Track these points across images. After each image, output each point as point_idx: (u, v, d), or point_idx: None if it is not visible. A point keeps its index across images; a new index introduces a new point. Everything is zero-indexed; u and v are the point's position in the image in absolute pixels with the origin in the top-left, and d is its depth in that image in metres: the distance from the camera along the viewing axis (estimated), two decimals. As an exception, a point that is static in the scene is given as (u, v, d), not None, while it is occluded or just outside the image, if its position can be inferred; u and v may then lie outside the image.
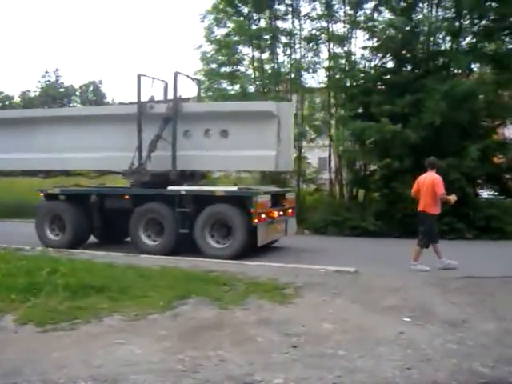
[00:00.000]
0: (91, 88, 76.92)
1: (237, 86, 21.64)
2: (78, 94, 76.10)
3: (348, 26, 20.78)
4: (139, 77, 14.11)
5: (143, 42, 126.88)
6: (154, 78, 14.57)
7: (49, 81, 73.05)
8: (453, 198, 11.29)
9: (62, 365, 5.41)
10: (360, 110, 19.93)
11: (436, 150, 16.94)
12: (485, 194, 20.65)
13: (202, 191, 13.54)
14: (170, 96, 14.53)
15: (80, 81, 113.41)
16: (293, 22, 21.81)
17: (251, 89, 21.63)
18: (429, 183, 10.96)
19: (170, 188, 13.48)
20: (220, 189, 13.66)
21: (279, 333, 6.49)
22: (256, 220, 12.50)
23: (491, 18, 18.92)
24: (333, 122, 21.37)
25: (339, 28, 21.10)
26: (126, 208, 13.97)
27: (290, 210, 14.21)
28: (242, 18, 21.87)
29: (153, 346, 6.02)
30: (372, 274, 10.31)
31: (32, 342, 6.17)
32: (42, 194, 15.19)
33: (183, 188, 13.51)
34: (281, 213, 13.60)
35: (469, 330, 6.71)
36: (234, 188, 13.73)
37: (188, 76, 14.55)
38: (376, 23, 20.12)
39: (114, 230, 15.17)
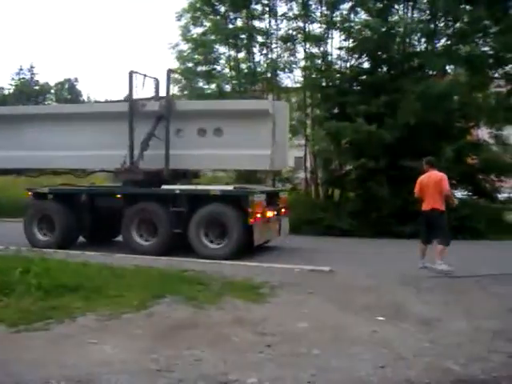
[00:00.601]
0: (66, 86, 76.25)
1: (213, 85, 21.61)
2: (53, 91, 75.35)
3: (324, 26, 20.83)
4: (131, 74, 13.91)
5: (119, 40, 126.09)
6: (145, 76, 14.37)
7: (23, 78, 72.11)
8: (456, 200, 11.41)
9: (35, 365, 5.36)
10: (336, 110, 20.04)
11: (411, 151, 17.16)
12: (458, 194, 20.86)
13: (196, 190, 13.42)
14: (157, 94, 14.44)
15: (55, 78, 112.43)
16: (269, 22, 21.85)
17: (227, 88, 21.62)
18: (436, 180, 10.75)
19: (164, 187, 13.31)
20: (216, 188, 13.50)
21: (254, 332, 6.50)
22: (252, 220, 12.39)
23: (465, 20, 19.12)
24: (308, 121, 21.41)
25: (316, 28, 21.18)
26: (118, 207, 13.81)
27: (283, 210, 14.15)
28: (218, 17, 21.85)
29: (127, 345, 5.98)
30: (347, 273, 10.38)
31: (4, 343, 6.09)
32: (30, 194, 14.89)
33: (178, 187, 13.35)
34: (275, 212, 13.53)
35: (441, 328, 6.79)
36: (230, 187, 13.63)
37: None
38: (352, 24, 20.23)
39: (103, 229, 14.99)
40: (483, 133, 20.75)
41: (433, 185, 10.72)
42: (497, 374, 5.25)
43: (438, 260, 10.55)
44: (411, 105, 16.95)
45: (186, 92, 21.73)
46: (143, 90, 14.39)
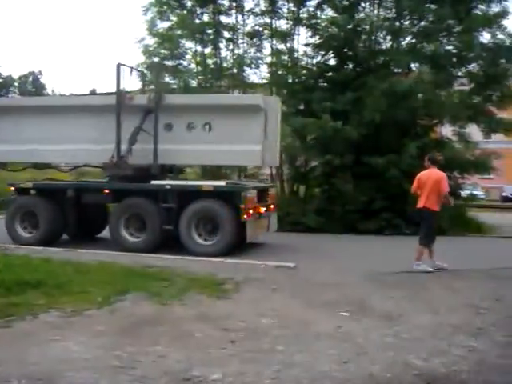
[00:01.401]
0: (30, 79, 75.15)
1: (179, 80, 21.47)
2: (16, 84, 74.19)
3: (291, 22, 20.92)
4: (118, 66, 13.64)
5: (84, 33, 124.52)
6: (132, 68, 14.18)
7: (-15, 71, 70.87)
8: (452, 200, 11.39)
9: (-5, 363, 5.25)
10: (302, 107, 20.09)
11: (376, 147, 17.33)
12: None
13: (188, 186, 13.23)
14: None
15: (19, 71, 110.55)
16: (236, 18, 21.84)
17: (193, 83, 21.51)
18: (435, 179, 10.58)
19: (153, 182, 13.09)
20: (207, 183, 13.29)
21: (218, 328, 6.47)
22: (245, 216, 12.25)
23: (430, 19, 19.37)
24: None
25: (282, 24, 21.27)
26: (106, 203, 13.64)
27: (271, 206, 14.01)
28: (185, 12, 21.71)
29: (90, 342, 5.90)
30: (311, 269, 10.42)
31: (-37, 340, 5.96)
32: (12, 189, 14.38)
33: (168, 182, 13.17)
34: (264, 208, 13.40)
35: (404, 323, 6.85)
36: (223, 183, 13.44)
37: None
38: (319, 21, 20.31)
39: (87, 226, 14.71)
40: (447, 130, 21.05)
41: (431, 183, 10.54)
42: (457, 367, 5.33)
43: (417, 261, 10.61)
44: (376, 102, 17.10)
45: (151, 87, 21.52)
46: (130, 83, 14.14)
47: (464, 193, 21.02)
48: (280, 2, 20.96)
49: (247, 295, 8.18)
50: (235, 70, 21.48)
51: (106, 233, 14.57)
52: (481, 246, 15.79)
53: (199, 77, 21.93)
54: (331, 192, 18.60)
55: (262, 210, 13.14)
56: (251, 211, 12.44)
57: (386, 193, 17.68)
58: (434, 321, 6.96)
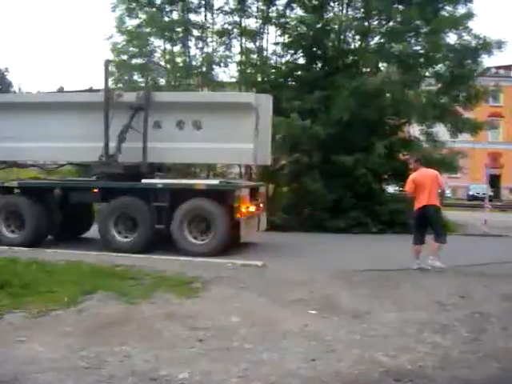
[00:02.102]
0: (-4, 76, 73.93)
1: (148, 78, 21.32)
2: (-19, 81, 72.89)
3: (260, 21, 20.97)
4: (107, 63, 13.40)
5: (52, 30, 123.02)
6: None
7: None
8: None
9: (-43, 365, 5.15)
10: (270, 105, 20.09)
11: (344, 146, 17.43)
12: (390, 189, 21.34)
13: (180, 184, 13.07)
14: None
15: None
16: (205, 16, 21.81)
17: (162, 81, 21.41)
18: (433, 177, 10.76)
19: (144, 181, 12.88)
20: (200, 182, 13.21)
21: (186, 327, 6.43)
22: (239, 215, 12.14)
23: (398, 20, 19.57)
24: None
25: (251, 23, 21.29)
26: (94, 202, 13.38)
27: (261, 205, 13.92)
28: (154, 10, 21.57)
29: (56, 342, 5.82)
30: (279, 267, 10.40)
31: None
32: None
33: (160, 181, 13.01)
34: (255, 207, 13.27)
35: (372, 321, 6.89)
36: (216, 181, 13.35)
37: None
38: (288, 20, 20.43)
39: (72, 226, 14.40)
40: (414, 130, 21.29)
41: (430, 182, 10.68)
42: (423, 363, 5.38)
43: (432, 256, 10.65)
44: (345, 101, 17.22)
45: (120, 85, 21.32)
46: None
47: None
48: (249, 1, 21.02)
49: (215, 294, 8.13)
50: (204, 69, 21.40)
51: (90, 233, 14.58)
52: (447, 243, 15.96)
53: (168, 75, 21.80)
54: (300, 191, 18.68)
55: (254, 208, 13.06)
56: (244, 210, 12.34)
57: (354, 191, 17.82)
58: (400, 318, 7.01)
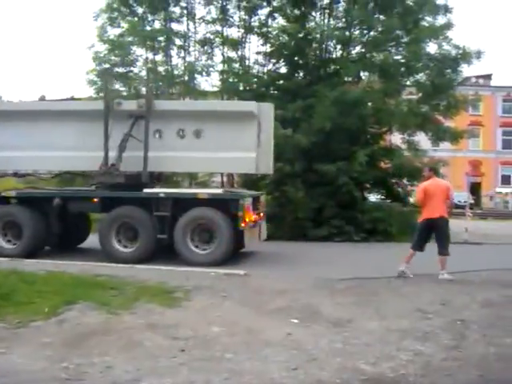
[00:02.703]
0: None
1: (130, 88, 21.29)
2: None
3: (242, 30, 21.03)
4: (106, 71, 13.23)
5: (33, 39, 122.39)
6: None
7: None
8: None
9: None
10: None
11: (326, 155, 17.51)
12: (372, 197, 21.45)
13: (183, 194, 12.94)
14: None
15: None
16: (187, 25, 21.83)
17: (144, 90, 21.35)
18: (444, 189, 10.83)
19: (146, 190, 12.69)
20: (203, 191, 13.00)
21: (167, 337, 6.41)
22: (243, 224, 12.01)
23: (379, 29, 19.72)
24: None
25: (234, 32, 21.36)
26: (94, 212, 13.16)
27: (262, 214, 13.80)
28: (136, 19, 21.54)
29: (36, 354, 5.77)
30: (262, 276, 10.40)
31: None
32: None
33: (162, 190, 12.80)
34: (257, 216, 13.15)
35: (353, 329, 6.91)
36: (219, 190, 13.19)
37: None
38: (270, 29, 20.50)
39: (68, 236, 14.08)
40: (396, 138, 21.45)
41: (440, 193, 10.73)
42: (404, 371, 5.40)
43: (442, 270, 10.70)
44: (327, 110, 17.29)
45: (101, 94, 21.25)
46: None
47: (412, 200, 21.40)
48: (231, 11, 21.11)
49: (197, 303, 8.10)
50: (186, 78, 21.38)
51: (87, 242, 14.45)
52: (428, 251, 16.02)
53: (150, 84, 21.73)
54: (282, 199, 18.68)
55: (257, 217, 12.98)
56: (247, 219, 12.23)
57: (336, 200, 17.88)
58: (382, 326, 7.04)
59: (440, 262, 10.73)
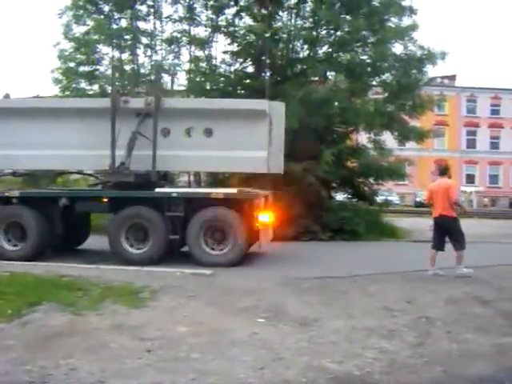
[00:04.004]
0: None
1: (96, 86, 21.07)
2: None
3: (209, 29, 20.93)
4: (114, 68, 12.91)
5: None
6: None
7: None
8: (465, 207, 11.66)
9: None
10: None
11: (293, 155, 17.48)
12: (339, 197, 21.58)
13: (196, 193, 12.74)
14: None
15: None
16: (154, 24, 21.66)
17: (110, 89, 21.14)
18: (444, 188, 10.98)
19: (158, 190, 12.45)
20: (218, 191, 12.67)
21: (133, 338, 6.36)
22: (258, 224, 11.87)
23: (346, 30, 19.84)
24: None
25: (201, 31, 21.22)
26: (101, 213, 12.98)
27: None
28: (102, 17, 21.32)
29: (-2, 357, 5.66)
30: (228, 276, 10.41)
31: None
32: None
33: (174, 190, 12.60)
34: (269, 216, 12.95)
35: (320, 328, 6.94)
36: (234, 190, 12.85)
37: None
38: (237, 28, 20.46)
39: (69, 237, 13.73)
40: (362, 138, 21.60)
41: (442, 192, 10.93)
42: (370, 368, 5.45)
43: (459, 265, 10.83)
44: (293, 109, 17.29)
45: (67, 93, 20.98)
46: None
47: (379, 199, 21.63)
48: (198, 9, 20.95)
49: (163, 303, 8.06)
50: (153, 77, 21.23)
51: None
52: (394, 250, 16.26)
53: (116, 83, 21.52)
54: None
55: (269, 217, 12.81)
56: (262, 219, 12.12)
57: (303, 199, 17.92)
58: (348, 324, 7.08)
59: (457, 258, 10.91)
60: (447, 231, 11.05)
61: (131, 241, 12.36)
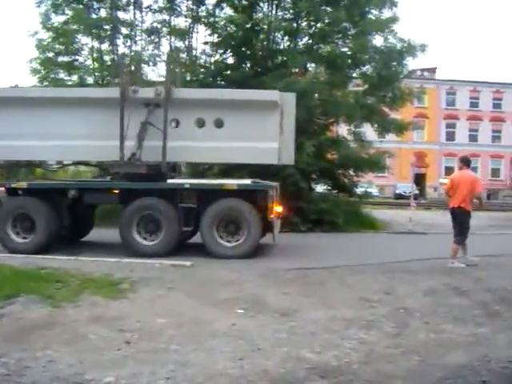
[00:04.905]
0: None
1: (75, 77, 20.86)
2: None
3: (190, 20, 20.83)
4: (122, 57, 12.68)
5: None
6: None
7: None
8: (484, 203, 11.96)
9: None
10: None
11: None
12: (319, 188, 21.65)
13: (209, 185, 12.60)
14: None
15: None
16: (134, 14, 21.39)
17: (90, 80, 20.97)
18: (468, 181, 10.97)
19: (170, 181, 12.37)
20: (231, 182, 12.58)
21: (112, 329, 6.35)
22: (272, 215, 11.86)
23: (326, 21, 19.86)
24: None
25: (181, 22, 21.09)
26: (111, 204, 12.92)
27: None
28: (81, 6, 21.01)
29: (-27, 351, 5.61)
30: (208, 267, 10.41)
31: None
32: (3, 189, 12.83)
33: (187, 181, 12.56)
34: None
35: (299, 318, 6.97)
36: (247, 181, 12.84)
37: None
38: (217, 19, 20.40)
39: (75, 229, 13.60)
40: (342, 129, 21.67)
41: (464, 184, 10.91)
42: (348, 359, 5.50)
43: (451, 259, 10.98)
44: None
45: (45, 83, 20.75)
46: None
47: (359, 190, 21.74)
48: (178, 0, 20.82)
49: (143, 295, 8.04)
50: (133, 67, 21.06)
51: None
52: (374, 241, 16.39)
53: (96, 73, 21.34)
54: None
55: (281, 208, 12.78)
56: (275, 210, 12.11)
57: (282, 191, 17.93)
58: (327, 315, 7.12)
59: (452, 250, 11.06)
60: (454, 221, 11.18)
61: (142, 233, 12.26)
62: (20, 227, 12.58)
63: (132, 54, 21.24)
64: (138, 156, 12.38)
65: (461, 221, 11.10)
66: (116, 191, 12.53)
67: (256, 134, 12.44)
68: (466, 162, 11.61)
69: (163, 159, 12.44)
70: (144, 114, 12.45)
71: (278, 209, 12.54)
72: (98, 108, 12.66)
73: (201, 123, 12.73)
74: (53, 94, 13.98)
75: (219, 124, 12.67)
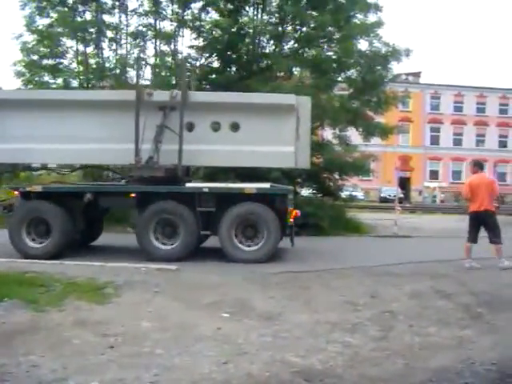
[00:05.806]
0: None
1: (59, 80, 20.78)
2: None
3: (175, 24, 20.85)
4: (138, 59, 12.48)
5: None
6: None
7: None
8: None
9: None
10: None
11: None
12: (304, 192, 21.68)
13: (228, 189, 12.56)
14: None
15: None
16: (120, 17, 21.50)
17: (74, 83, 20.88)
18: (488, 183, 11.29)
19: (188, 185, 12.36)
20: (250, 186, 12.39)
21: (96, 334, 6.31)
22: (291, 219, 11.82)
23: (311, 25, 19.95)
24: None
25: (166, 26, 21.17)
26: (127, 208, 12.83)
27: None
28: (66, 9, 20.99)
29: (-45, 356, 5.55)
30: (193, 271, 10.36)
31: None
32: (17, 193, 12.66)
33: (205, 185, 12.50)
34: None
35: (284, 322, 6.98)
36: (267, 185, 12.75)
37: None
38: (203, 23, 20.44)
39: (86, 233, 13.49)
40: (327, 133, 21.75)
41: (485, 187, 11.13)
42: (333, 362, 5.51)
43: (501, 258, 11.07)
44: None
45: (30, 86, 20.64)
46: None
47: (344, 194, 21.80)
48: (164, 3, 20.89)
49: (128, 299, 8.00)
50: (118, 71, 21.00)
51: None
52: (359, 245, 16.43)
53: (81, 77, 21.26)
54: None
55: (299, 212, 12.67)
56: (294, 214, 12.05)
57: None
58: (312, 319, 7.13)
59: (496, 251, 11.19)
60: (485, 225, 11.28)
61: (159, 237, 12.16)
62: (34, 232, 12.37)
63: (117, 57, 21.24)
64: (156, 159, 12.30)
65: (493, 222, 11.26)
66: (133, 195, 12.35)
67: (272, 137, 12.38)
68: (480, 166, 11.88)
69: (179, 163, 12.33)
70: (158, 117, 12.36)
71: (299, 212, 12.55)
72: (111, 111, 12.58)
73: (216, 127, 12.68)
74: (66, 97, 13.81)
75: (235, 128, 12.64)
